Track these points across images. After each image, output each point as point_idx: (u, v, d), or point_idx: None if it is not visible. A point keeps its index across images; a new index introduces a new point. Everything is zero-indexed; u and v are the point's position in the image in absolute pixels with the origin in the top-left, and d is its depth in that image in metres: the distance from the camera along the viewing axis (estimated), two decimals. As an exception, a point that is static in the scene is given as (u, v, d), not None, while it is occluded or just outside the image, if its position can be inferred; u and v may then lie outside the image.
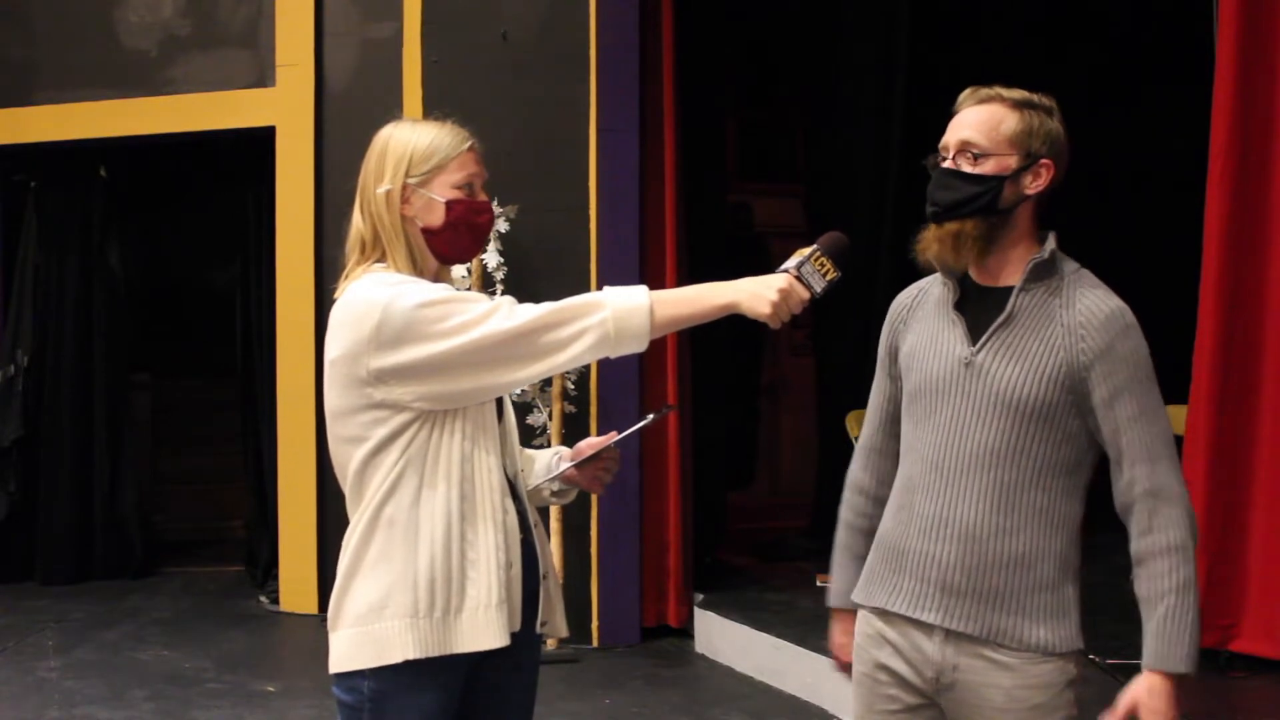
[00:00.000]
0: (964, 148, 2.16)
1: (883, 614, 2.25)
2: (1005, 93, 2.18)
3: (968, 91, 2.21)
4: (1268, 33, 4.39)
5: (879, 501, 2.37)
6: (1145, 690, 2.11)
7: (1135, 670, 4.80)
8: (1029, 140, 2.15)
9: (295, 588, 6.41)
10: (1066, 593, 2.14)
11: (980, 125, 2.16)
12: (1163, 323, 3.87)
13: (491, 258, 5.59)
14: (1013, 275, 2.18)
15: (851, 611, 2.38)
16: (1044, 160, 2.16)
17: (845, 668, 2.41)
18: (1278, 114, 4.41)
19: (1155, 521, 2.10)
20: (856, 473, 2.42)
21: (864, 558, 2.37)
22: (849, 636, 2.38)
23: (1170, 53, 6.82)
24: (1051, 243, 2.19)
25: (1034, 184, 2.16)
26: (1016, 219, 2.18)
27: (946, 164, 2.18)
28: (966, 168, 2.16)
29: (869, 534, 2.37)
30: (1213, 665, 4.49)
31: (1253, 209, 4.43)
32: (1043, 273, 2.17)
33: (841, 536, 2.43)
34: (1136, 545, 2.12)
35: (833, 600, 2.44)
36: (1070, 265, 2.20)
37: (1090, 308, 2.12)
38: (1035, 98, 2.19)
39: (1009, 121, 2.15)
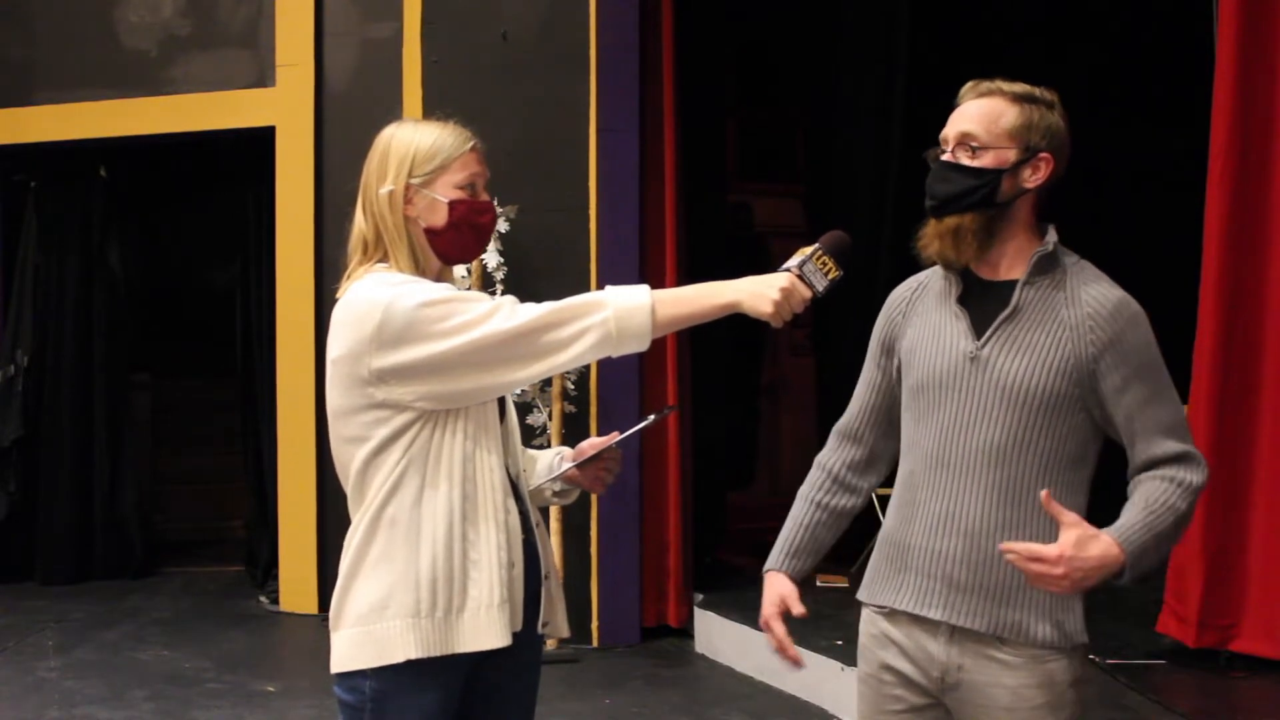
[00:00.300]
0: (963, 140, 2.17)
1: (888, 614, 2.25)
2: (1006, 86, 2.18)
3: (969, 84, 2.22)
4: (1268, 33, 4.39)
5: (839, 483, 2.39)
6: (1087, 536, 1.97)
7: (1136, 670, 4.81)
8: (1028, 134, 2.15)
9: (295, 588, 6.41)
10: None
11: (980, 118, 2.16)
12: (1163, 323, 3.88)
13: (491, 258, 5.59)
14: (1014, 268, 2.19)
15: (780, 573, 2.37)
16: (1043, 154, 2.16)
17: (766, 625, 2.37)
18: (1278, 114, 4.41)
19: (1178, 469, 2.09)
20: (825, 454, 2.43)
21: (811, 528, 2.38)
22: (775, 594, 2.35)
23: (1170, 53, 6.82)
24: (1053, 235, 2.20)
25: (1033, 177, 2.17)
26: (1016, 212, 2.18)
27: (946, 157, 2.19)
28: (965, 160, 2.16)
29: (821, 508, 2.38)
30: (1213, 665, 4.50)
31: (1253, 209, 4.44)
32: (1046, 266, 2.17)
33: (795, 507, 2.42)
34: (1156, 473, 2.10)
35: (769, 563, 2.40)
36: (1071, 258, 2.20)
37: (1096, 299, 2.13)
38: (1037, 91, 2.19)
39: (1008, 115, 2.15)
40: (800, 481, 2.47)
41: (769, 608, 2.36)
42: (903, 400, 2.30)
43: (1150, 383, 2.12)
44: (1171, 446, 2.10)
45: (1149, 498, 2.06)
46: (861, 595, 2.33)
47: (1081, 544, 1.96)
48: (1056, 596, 2.12)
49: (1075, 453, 2.15)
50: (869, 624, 2.30)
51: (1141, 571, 2.02)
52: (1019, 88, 2.18)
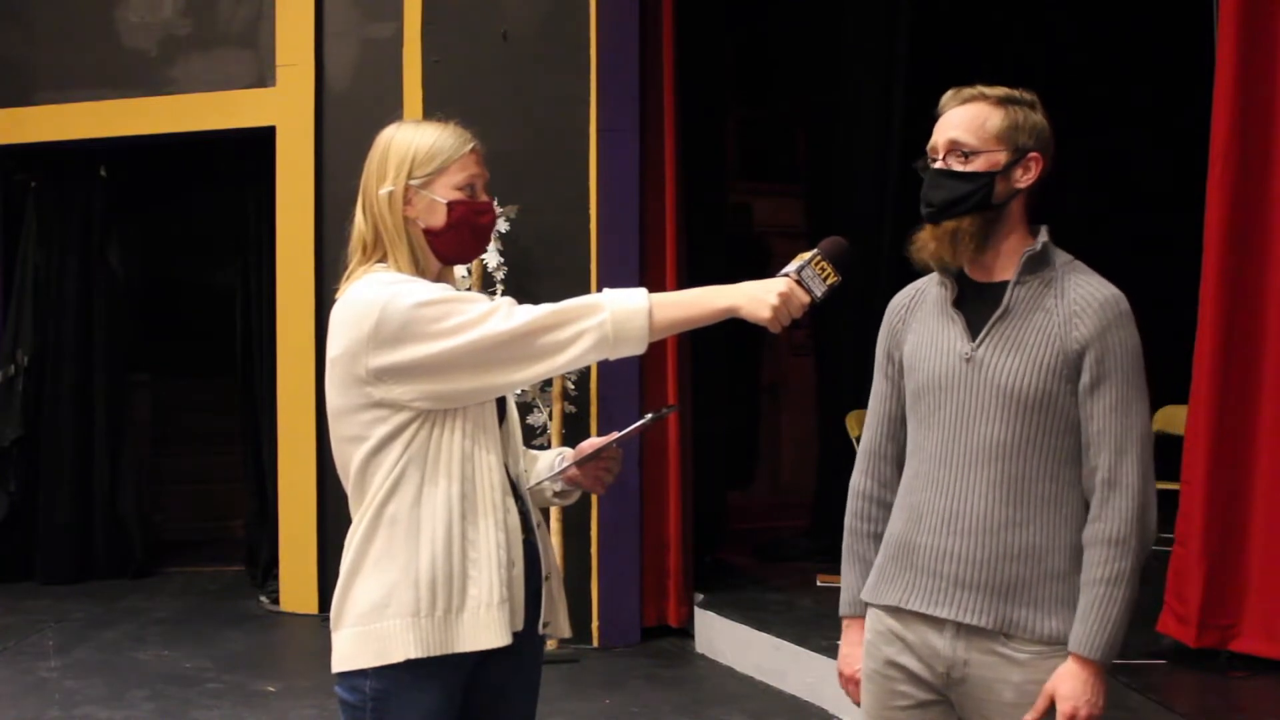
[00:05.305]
0: (953, 147, 2.19)
1: (894, 611, 2.26)
2: (987, 90, 2.21)
3: (950, 93, 2.24)
4: (1268, 33, 4.39)
5: (883, 505, 2.37)
6: (1062, 674, 2.11)
7: (1136, 670, 4.81)
8: (1016, 135, 2.18)
9: (295, 588, 6.41)
10: (1077, 582, 2.15)
11: (967, 124, 2.18)
12: (1163, 323, 3.88)
13: (491, 258, 5.59)
14: (1007, 270, 2.21)
15: (863, 619, 2.37)
16: (1032, 154, 2.19)
17: (851, 681, 2.39)
18: (1278, 114, 4.41)
19: (1104, 511, 2.12)
20: (859, 478, 2.42)
21: (873, 563, 2.36)
22: (858, 648, 2.37)
23: (1170, 53, 6.82)
24: (1044, 235, 2.21)
25: (1024, 178, 2.19)
26: (1009, 213, 2.20)
27: (937, 164, 2.21)
28: (957, 167, 2.18)
29: (877, 539, 2.37)
30: (1213, 665, 4.50)
31: (1253, 209, 4.44)
32: (1036, 265, 2.19)
33: (849, 543, 2.42)
34: (1085, 532, 2.15)
35: (844, 609, 2.42)
36: (1063, 257, 2.22)
37: (1084, 295, 2.15)
38: (1017, 93, 2.22)
39: (994, 118, 2.18)
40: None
41: (852, 666, 2.38)
42: (906, 405, 2.32)
43: (1119, 388, 2.12)
44: (1111, 469, 2.12)
45: (1090, 583, 2.12)
46: (866, 595, 2.33)
47: (1068, 692, 2.08)
48: (1064, 591, 2.14)
49: (1076, 448, 2.16)
50: (875, 621, 2.31)
51: (1121, 646, 2.12)
52: (1000, 91, 2.21)
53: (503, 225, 5.58)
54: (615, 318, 2.09)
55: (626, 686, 5.16)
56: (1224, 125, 4.42)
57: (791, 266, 2.16)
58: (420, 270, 2.23)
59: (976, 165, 2.17)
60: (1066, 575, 2.14)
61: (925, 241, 2.21)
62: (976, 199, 2.16)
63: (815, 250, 2.17)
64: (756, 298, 2.11)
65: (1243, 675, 4.44)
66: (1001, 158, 2.17)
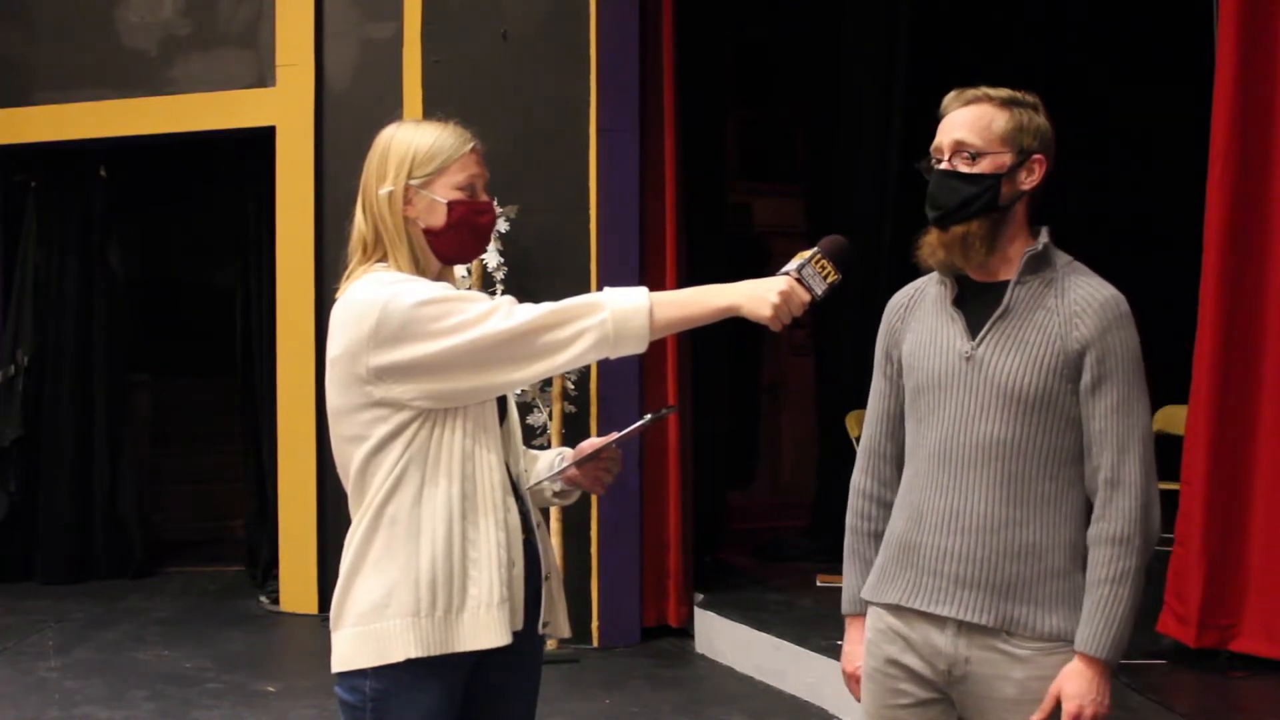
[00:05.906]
0: (959, 148, 2.18)
1: (895, 609, 2.26)
2: (992, 92, 2.21)
3: (953, 94, 2.23)
4: (1268, 33, 4.39)
5: (883, 504, 2.37)
6: (1068, 673, 2.12)
7: (1136, 670, 4.81)
8: (1020, 137, 2.18)
9: (295, 588, 6.41)
10: (1077, 580, 2.16)
11: (972, 125, 2.18)
12: (1163, 323, 3.88)
13: (491, 258, 5.59)
14: (1009, 270, 2.21)
15: (864, 617, 2.37)
16: (1036, 156, 2.19)
17: (853, 678, 2.40)
18: (1278, 114, 4.41)
19: (1107, 510, 2.13)
20: (859, 477, 2.42)
21: (873, 562, 2.36)
22: (860, 646, 2.37)
23: (1170, 55, 6.82)
24: (1045, 236, 2.22)
25: (1028, 179, 2.19)
26: (1014, 216, 2.20)
27: (943, 166, 2.20)
28: (963, 168, 2.18)
29: (877, 538, 2.37)
30: (1213, 665, 4.50)
31: (1253, 209, 4.44)
32: (1037, 265, 2.20)
33: (850, 542, 2.42)
34: (1089, 531, 2.16)
35: (846, 607, 2.42)
36: (1063, 258, 2.22)
37: (1085, 295, 2.15)
38: (1021, 95, 2.22)
39: (999, 120, 2.18)
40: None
41: (854, 663, 2.39)
42: (905, 404, 2.32)
43: (1120, 388, 2.12)
44: (1114, 468, 2.12)
45: (1095, 582, 2.12)
46: (867, 594, 2.33)
47: (1073, 691, 2.08)
48: (1064, 589, 2.15)
49: (1076, 446, 2.17)
50: (876, 619, 2.31)
51: (1127, 644, 2.12)
52: (1004, 92, 2.21)
53: (503, 225, 5.58)
54: (616, 316, 2.08)
55: (626, 686, 5.16)
56: (1224, 125, 4.42)
57: (792, 265, 2.15)
58: (420, 270, 2.22)
59: (982, 167, 2.17)
60: (1066, 573, 2.15)
61: (934, 248, 2.20)
62: (983, 201, 2.16)
63: (815, 248, 2.17)
64: (757, 296, 2.11)
65: (1243, 675, 4.44)
66: (1007, 159, 2.17)
